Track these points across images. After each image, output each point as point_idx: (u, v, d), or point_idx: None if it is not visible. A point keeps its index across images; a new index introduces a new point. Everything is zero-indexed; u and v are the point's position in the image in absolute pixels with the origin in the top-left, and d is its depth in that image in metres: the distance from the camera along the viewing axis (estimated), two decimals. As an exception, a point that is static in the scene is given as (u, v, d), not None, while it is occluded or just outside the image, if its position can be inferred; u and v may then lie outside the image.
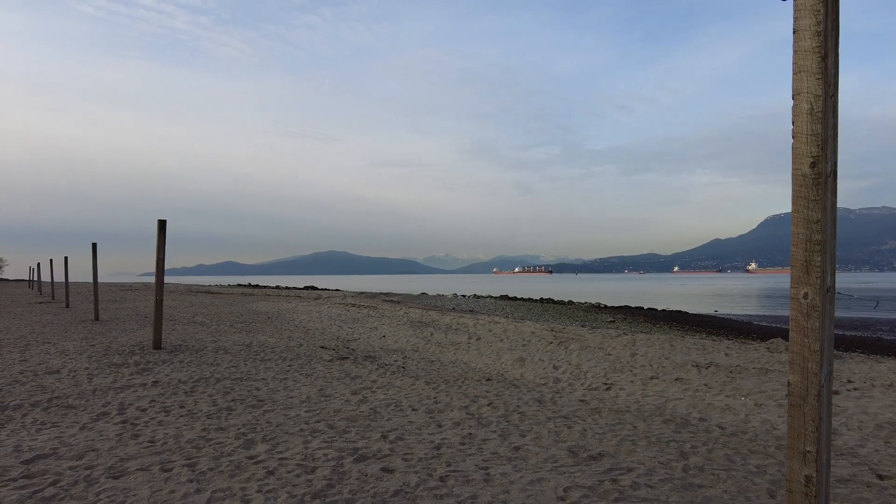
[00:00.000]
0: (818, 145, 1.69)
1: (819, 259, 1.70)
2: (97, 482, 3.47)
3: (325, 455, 4.03)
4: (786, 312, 30.22)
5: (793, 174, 1.74)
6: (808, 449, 1.72)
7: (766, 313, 30.48)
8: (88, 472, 3.64)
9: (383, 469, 3.75)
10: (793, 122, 1.74)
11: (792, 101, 1.75)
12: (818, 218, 1.70)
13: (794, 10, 1.74)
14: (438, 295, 43.00)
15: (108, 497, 3.24)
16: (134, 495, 3.27)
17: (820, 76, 1.69)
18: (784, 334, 14.98)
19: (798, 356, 1.75)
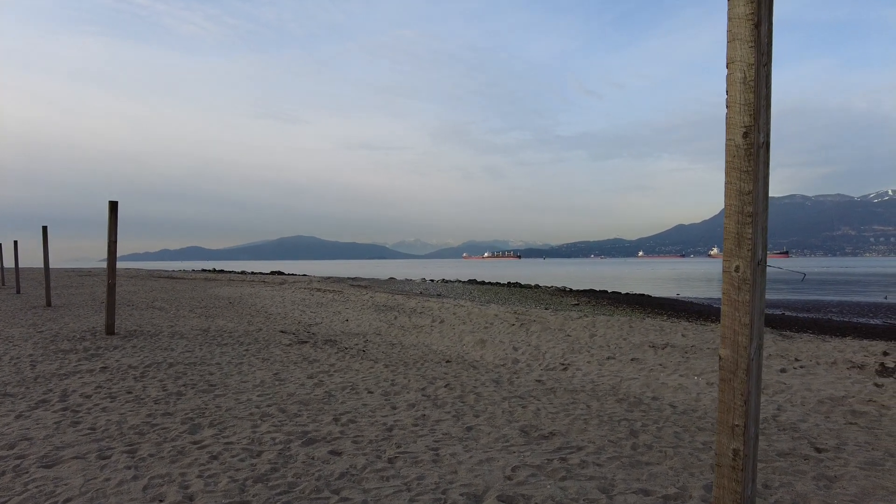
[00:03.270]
0: (751, 115, 1.66)
1: (750, 231, 1.68)
2: (27, 472, 3.31)
3: (273, 439, 3.93)
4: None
5: (726, 144, 1.71)
6: (736, 423, 1.71)
7: (726, 296, 31.31)
8: (19, 461, 3.47)
9: (331, 452, 3.68)
10: (727, 92, 1.71)
11: (726, 70, 1.72)
12: (749, 189, 1.67)
13: (730, -23, 1.69)
14: (407, 280, 42.86)
15: (36, 487, 3.09)
16: (65, 484, 3.13)
17: (753, 44, 1.66)
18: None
19: (729, 330, 1.74)
